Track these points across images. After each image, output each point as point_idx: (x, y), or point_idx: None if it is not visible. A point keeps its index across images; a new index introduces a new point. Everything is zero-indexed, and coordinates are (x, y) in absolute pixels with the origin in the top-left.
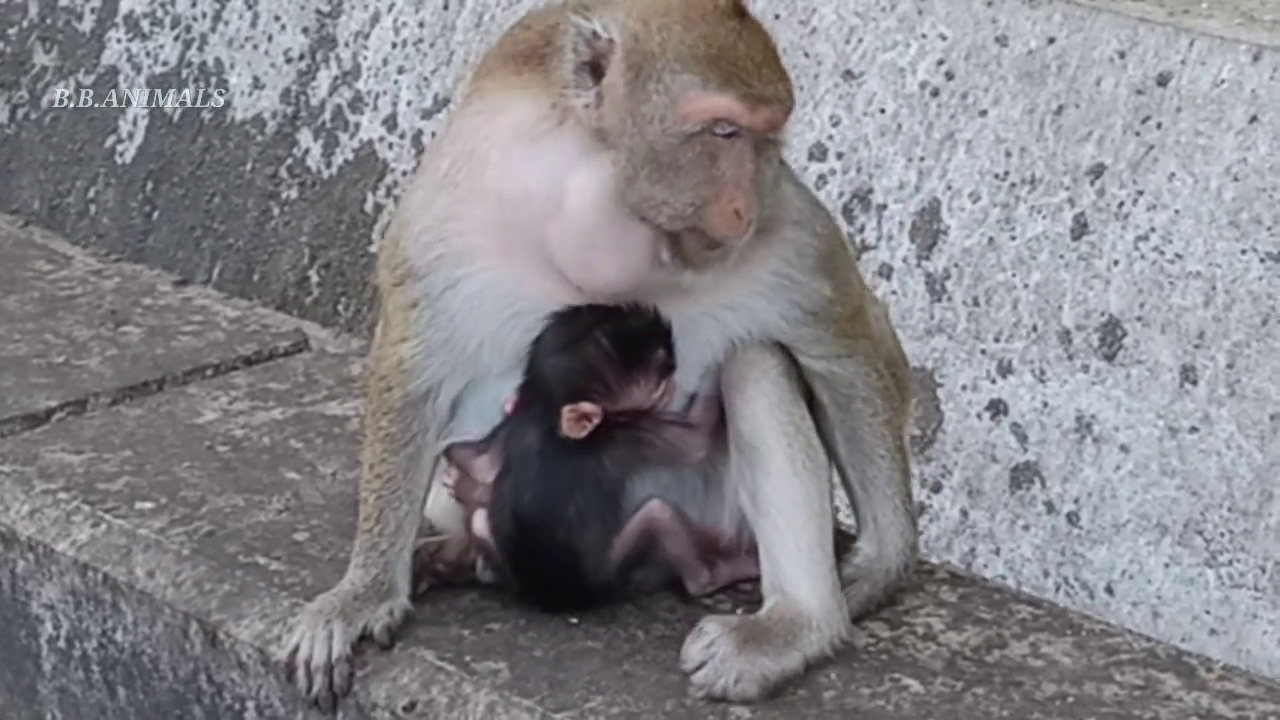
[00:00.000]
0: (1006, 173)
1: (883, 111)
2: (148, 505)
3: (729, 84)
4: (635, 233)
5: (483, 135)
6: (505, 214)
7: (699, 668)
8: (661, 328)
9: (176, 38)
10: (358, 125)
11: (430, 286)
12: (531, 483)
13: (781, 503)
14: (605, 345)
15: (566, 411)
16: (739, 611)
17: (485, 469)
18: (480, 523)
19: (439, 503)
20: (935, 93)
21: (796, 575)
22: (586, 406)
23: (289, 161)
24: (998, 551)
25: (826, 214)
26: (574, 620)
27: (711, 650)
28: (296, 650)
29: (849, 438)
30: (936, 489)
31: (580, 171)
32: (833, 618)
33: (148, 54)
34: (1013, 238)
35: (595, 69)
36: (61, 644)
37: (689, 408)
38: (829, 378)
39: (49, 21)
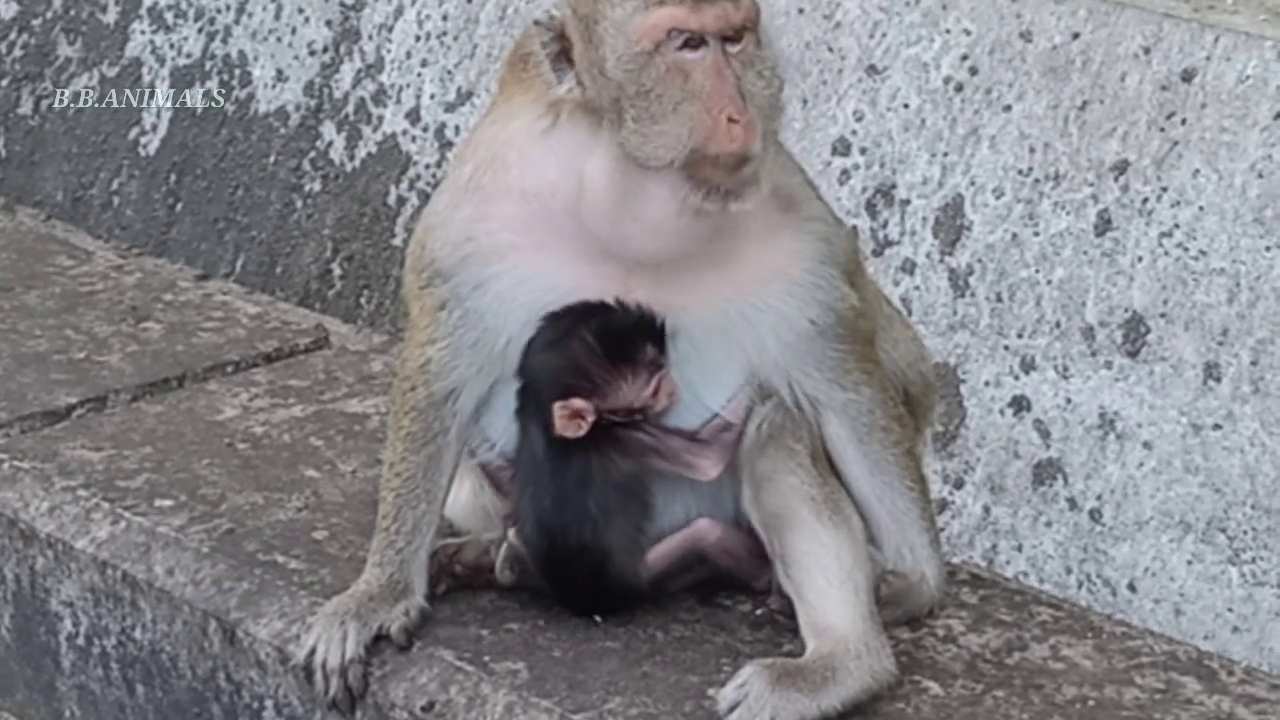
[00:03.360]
0: (1030, 168)
1: (906, 107)
2: (167, 503)
3: None
4: (655, 188)
5: (501, 141)
6: (533, 209)
7: (733, 709)
8: (651, 325)
9: (200, 30)
10: (381, 118)
11: (459, 286)
12: (546, 489)
13: (807, 545)
14: (590, 341)
15: (557, 408)
16: (785, 649)
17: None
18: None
19: (460, 502)
20: (959, 88)
21: (828, 612)
22: (576, 403)
23: (312, 154)
24: (1020, 548)
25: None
26: (597, 619)
27: (745, 690)
28: (313, 653)
29: (874, 470)
30: (959, 485)
31: (594, 152)
32: (874, 652)
33: (171, 46)
34: (1036, 234)
35: (567, 54)
36: (80, 641)
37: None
38: (848, 408)
39: (73, 13)
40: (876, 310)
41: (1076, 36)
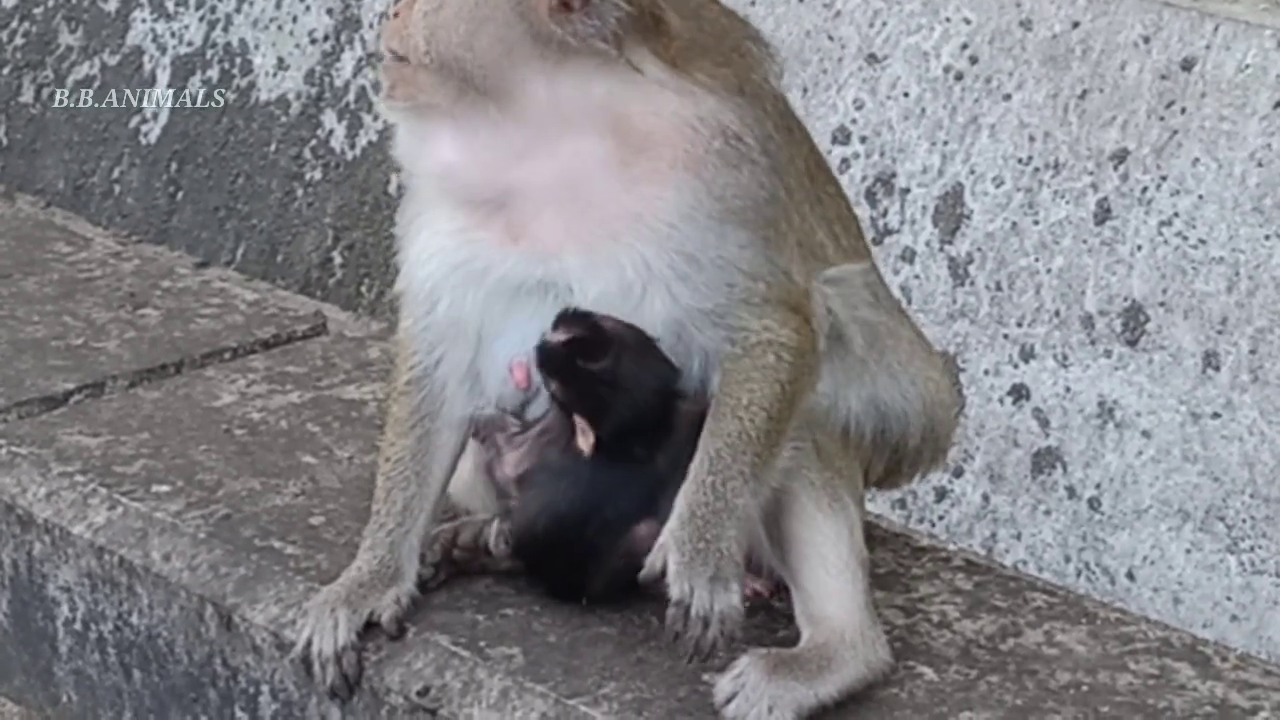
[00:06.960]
0: (1030, 157)
1: (906, 95)
2: (164, 488)
3: None
4: None
5: None
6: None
7: (729, 699)
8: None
9: (201, 18)
10: None
11: (404, 247)
12: (571, 488)
13: (806, 534)
14: (603, 365)
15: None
16: (779, 635)
17: (512, 465)
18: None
19: (463, 479)
20: (959, 77)
21: (825, 600)
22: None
23: (313, 143)
24: (1019, 536)
25: (798, 165)
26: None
27: (741, 680)
28: (309, 644)
29: (714, 413)
30: (958, 474)
31: None
32: (869, 642)
33: (173, 34)
34: (1036, 222)
35: None
36: (78, 626)
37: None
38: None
39: (74, 2)
40: (801, 283)
41: (1076, 25)
